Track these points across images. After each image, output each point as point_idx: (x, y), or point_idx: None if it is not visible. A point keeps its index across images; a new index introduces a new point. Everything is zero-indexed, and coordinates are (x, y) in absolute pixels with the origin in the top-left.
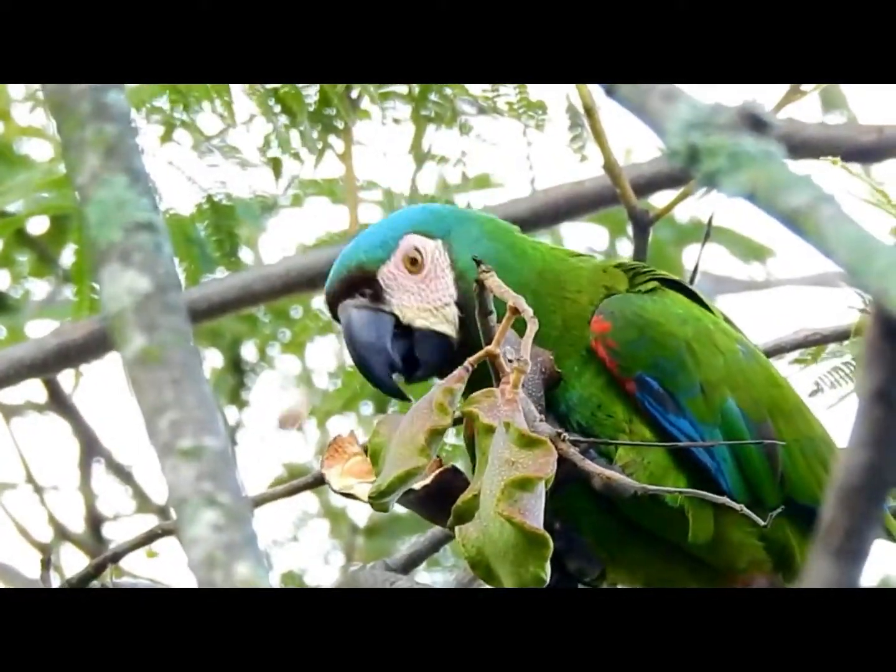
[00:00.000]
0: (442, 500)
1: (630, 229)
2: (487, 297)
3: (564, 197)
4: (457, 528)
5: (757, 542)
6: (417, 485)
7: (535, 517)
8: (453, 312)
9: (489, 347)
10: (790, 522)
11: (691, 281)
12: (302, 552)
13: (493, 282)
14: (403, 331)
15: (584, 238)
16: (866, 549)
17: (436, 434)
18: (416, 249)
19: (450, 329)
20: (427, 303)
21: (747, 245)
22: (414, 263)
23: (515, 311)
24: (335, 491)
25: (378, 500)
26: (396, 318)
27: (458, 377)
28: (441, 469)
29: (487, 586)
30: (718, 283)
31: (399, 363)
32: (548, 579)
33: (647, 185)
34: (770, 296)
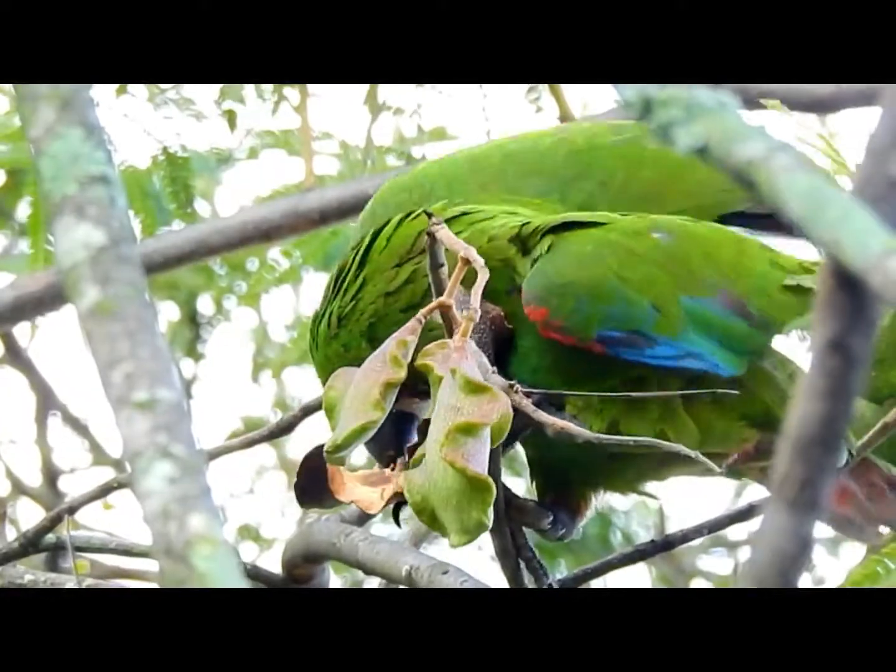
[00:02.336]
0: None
1: None
2: (438, 249)
3: None
4: (402, 475)
5: (741, 423)
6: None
7: (478, 462)
8: None
9: (441, 299)
10: (763, 373)
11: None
12: (258, 505)
13: (444, 233)
14: None
15: None
16: (821, 499)
17: (390, 387)
18: None
19: None
20: None
21: None
22: None
23: (467, 261)
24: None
25: (334, 454)
26: None
27: (410, 329)
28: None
29: (440, 538)
30: None
31: None
32: (490, 524)
33: None
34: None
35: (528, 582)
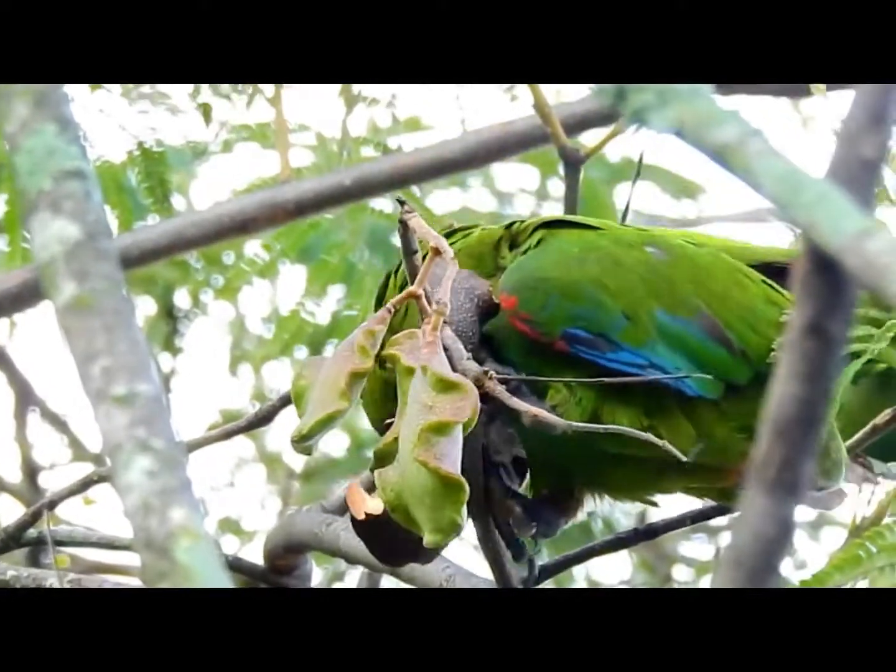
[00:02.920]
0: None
1: (561, 169)
2: (411, 237)
3: (495, 137)
4: (376, 473)
5: (742, 434)
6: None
7: (451, 462)
8: None
9: (411, 288)
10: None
11: (623, 219)
12: (238, 498)
13: (416, 222)
14: None
15: (515, 178)
16: (801, 481)
17: (357, 377)
18: None
19: None
20: None
21: (678, 182)
22: None
23: (437, 251)
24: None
25: (300, 443)
26: None
27: (379, 318)
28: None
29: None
30: (650, 221)
31: None
32: (464, 525)
33: (577, 125)
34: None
35: (510, 566)
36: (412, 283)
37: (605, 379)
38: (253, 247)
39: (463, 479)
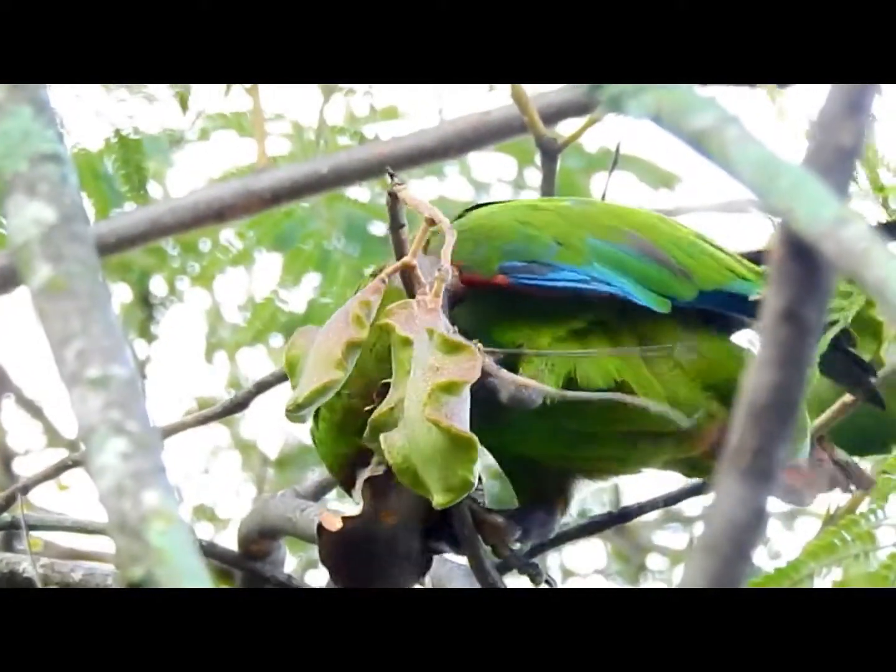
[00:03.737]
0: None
1: (538, 158)
2: (400, 209)
3: (472, 127)
4: (381, 437)
5: (707, 394)
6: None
7: (461, 420)
8: None
9: (405, 259)
10: (727, 347)
11: None
12: (213, 485)
13: (406, 194)
14: None
15: (492, 167)
16: (775, 468)
17: (353, 347)
18: None
19: None
20: None
21: (655, 172)
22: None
23: (431, 222)
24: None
25: (295, 412)
26: None
27: (374, 288)
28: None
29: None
30: None
31: None
32: (475, 482)
33: (554, 114)
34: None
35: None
36: (398, 257)
37: (580, 351)
38: (229, 234)
39: (474, 437)
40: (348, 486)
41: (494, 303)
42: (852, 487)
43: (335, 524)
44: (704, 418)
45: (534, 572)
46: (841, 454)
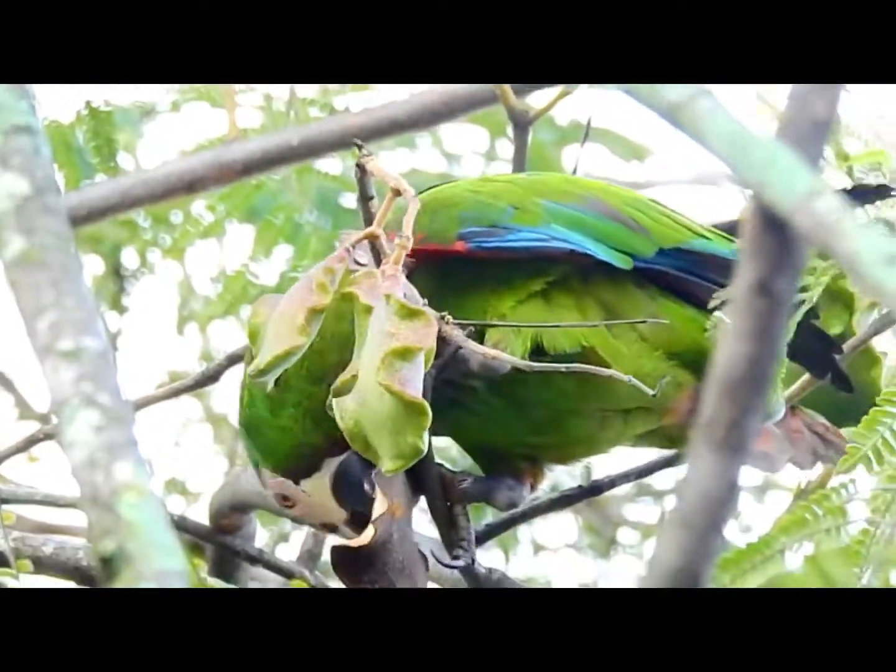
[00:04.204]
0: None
1: (510, 130)
2: (368, 181)
3: (442, 98)
4: (334, 401)
5: (673, 362)
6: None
7: (414, 387)
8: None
9: (371, 229)
10: (679, 306)
11: None
12: (185, 459)
13: (374, 165)
14: None
15: (463, 139)
16: (748, 442)
17: (315, 313)
18: (278, 495)
19: None
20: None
21: (626, 145)
22: (286, 500)
23: (397, 192)
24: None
25: (258, 377)
26: None
27: (338, 257)
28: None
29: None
30: None
31: None
32: (425, 449)
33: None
34: (652, 195)
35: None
36: (367, 226)
37: (549, 324)
38: (200, 207)
39: (426, 404)
40: (300, 476)
41: (455, 271)
42: (833, 457)
43: (367, 536)
44: (672, 387)
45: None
46: (817, 419)
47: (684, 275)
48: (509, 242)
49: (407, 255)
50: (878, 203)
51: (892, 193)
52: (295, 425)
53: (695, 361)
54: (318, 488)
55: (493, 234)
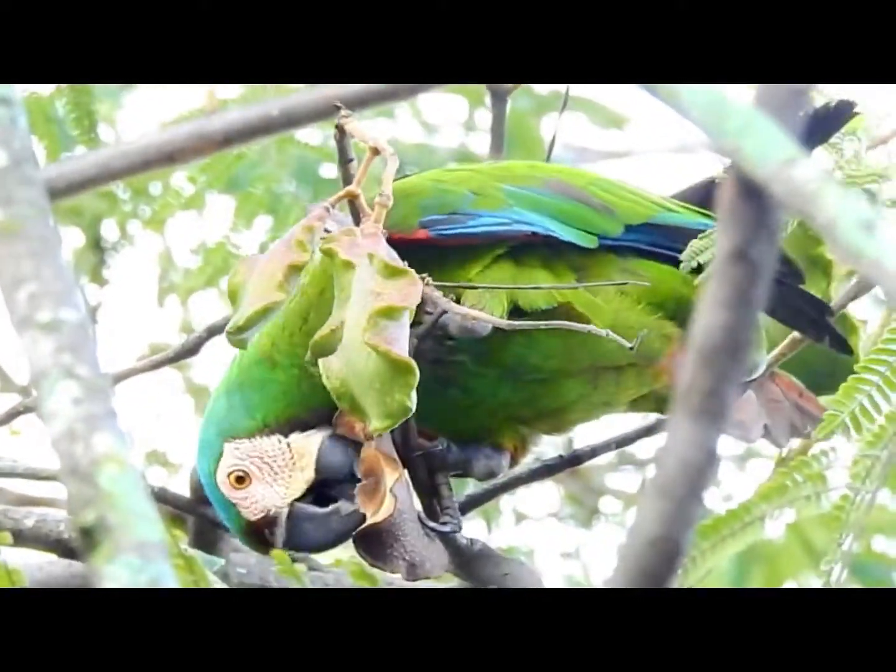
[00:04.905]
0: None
1: (488, 99)
2: (348, 143)
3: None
4: (320, 361)
5: (657, 315)
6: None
7: (400, 346)
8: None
9: (350, 188)
10: (656, 264)
11: (549, 150)
12: (166, 430)
13: (353, 126)
14: None
15: (442, 109)
16: (726, 409)
17: (294, 270)
18: (235, 470)
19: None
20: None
21: (605, 113)
22: (242, 480)
23: (376, 151)
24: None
25: (236, 335)
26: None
27: (318, 216)
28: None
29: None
30: (579, 152)
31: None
32: (413, 408)
33: None
34: (631, 164)
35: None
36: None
37: (525, 285)
38: (180, 178)
39: (412, 362)
40: (291, 431)
41: (418, 259)
42: (809, 429)
43: (388, 507)
44: (659, 341)
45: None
46: (796, 386)
47: (654, 248)
48: (470, 228)
49: None
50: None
51: (855, 111)
52: (293, 386)
53: (679, 311)
54: (305, 446)
55: (454, 220)
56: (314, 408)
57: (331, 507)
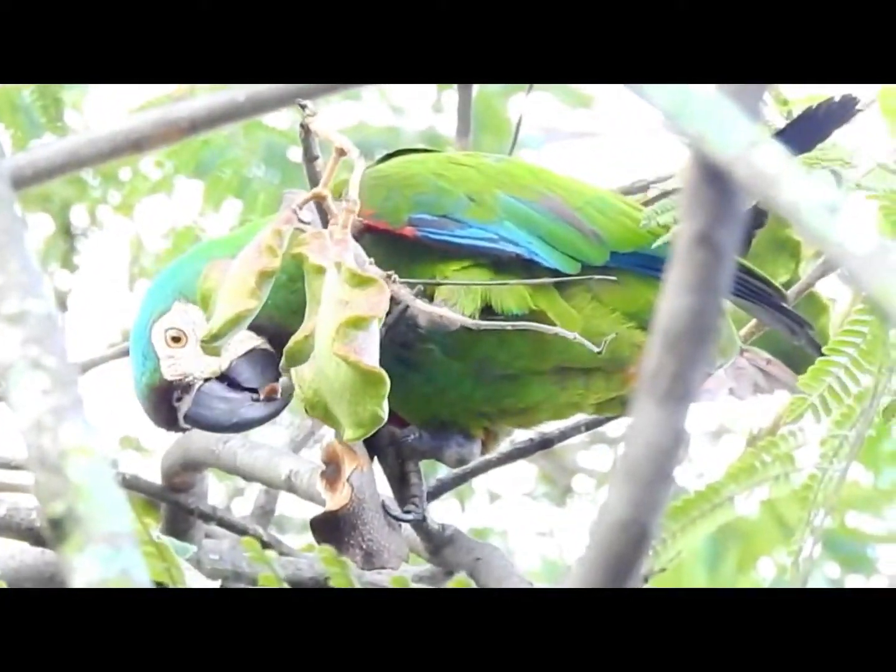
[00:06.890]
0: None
1: None
2: (313, 141)
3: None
4: (292, 371)
5: (629, 324)
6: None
7: (370, 355)
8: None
9: (317, 189)
10: (636, 278)
11: (516, 130)
12: (139, 415)
13: (318, 125)
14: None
15: (410, 92)
16: (692, 393)
17: (265, 276)
18: (177, 330)
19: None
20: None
21: (571, 93)
22: (177, 340)
23: (342, 152)
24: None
25: (210, 343)
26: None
27: (286, 219)
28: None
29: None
30: (546, 132)
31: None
32: (385, 417)
33: None
34: (598, 144)
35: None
36: (312, 186)
37: (497, 281)
38: (149, 163)
39: (383, 372)
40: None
41: (401, 248)
42: (775, 390)
43: (344, 495)
44: (629, 347)
45: (416, 509)
46: (761, 356)
47: (637, 269)
48: (457, 238)
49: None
50: None
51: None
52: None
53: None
54: (236, 344)
55: (444, 225)
56: (275, 321)
57: (241, 394)
